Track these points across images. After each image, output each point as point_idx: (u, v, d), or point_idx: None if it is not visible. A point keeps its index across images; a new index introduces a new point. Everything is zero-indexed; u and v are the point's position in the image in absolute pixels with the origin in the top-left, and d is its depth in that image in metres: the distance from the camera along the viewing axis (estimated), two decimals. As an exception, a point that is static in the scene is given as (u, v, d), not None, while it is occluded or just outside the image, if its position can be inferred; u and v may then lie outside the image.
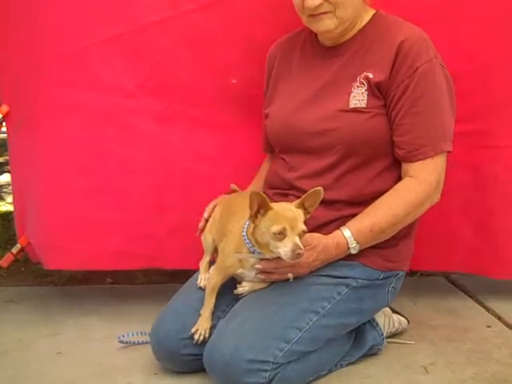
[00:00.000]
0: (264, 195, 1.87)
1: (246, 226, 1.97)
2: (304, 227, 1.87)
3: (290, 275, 1.99)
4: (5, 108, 2.63)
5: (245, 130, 2.56)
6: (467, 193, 2.59)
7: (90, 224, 2.53)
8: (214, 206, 2.28)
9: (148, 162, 2.55)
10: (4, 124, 2.69)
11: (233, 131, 2.59)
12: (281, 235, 1.84)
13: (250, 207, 1.88)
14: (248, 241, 1.96)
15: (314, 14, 2.07)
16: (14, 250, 2.73)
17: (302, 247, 1.83)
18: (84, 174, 2.51)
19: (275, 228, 1.83)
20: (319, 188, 1.90)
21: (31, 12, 2.49)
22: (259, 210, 1.88)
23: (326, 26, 2.08)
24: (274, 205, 1.90)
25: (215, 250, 2.19)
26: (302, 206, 1.92)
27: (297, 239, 1.83)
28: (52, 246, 2.55)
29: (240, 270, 2.02)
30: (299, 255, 1.83)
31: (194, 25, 2.46)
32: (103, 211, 2.53)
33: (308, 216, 1.94)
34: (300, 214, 1.89)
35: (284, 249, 1.83)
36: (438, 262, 2.72)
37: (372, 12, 2.18)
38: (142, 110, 2.53)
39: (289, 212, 1.88)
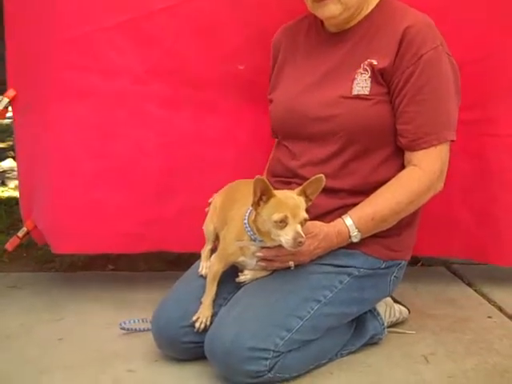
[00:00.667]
0: (267, 181, 1.87)
1: (247, 214, 1.97)
2: (306, 215, 1.86)
3: (292, 263, 1.99)
4: (11, 92, 2.65)
5: (251, 115, 2.58)
6: (469, 180, 2.60)
7: (98, 207, 2.55)
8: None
9: (156, 145, 2.58)
10: (10, 109, 2.70)
11: (239, 116, 2.62)
12: (282, 223, 1.83)
13: (254, 193, 1.87)
14: (249, 228, 1.95)
15: (319, 0, 2.05)
16: (20, 233, 2.75)
17: (303, 235, 1.82)
18: (92, 157, 2.54)
19: (277, 216, 1.83)
20: (321, 175, 1.89)
21: None
22: (262, 196, 1.87)
23: (331, 11, 2.06)
24: (276, 192, 1.89)
25: (217, 238, 2.18)
26: (303, 193, 1.91)
27: (298, 227, 1.83)
28: (61, 230, 2.57)
29: (241, 258, 2.02)
30: (300, 243, 1.82)
31: (201, 11, 2.48)
32: (111, 195, 2.56)
33: (310, 204, 1.93)
34: (302, 202, 1.89)
35: (285, 237, 1.83)
36: (439, 248, 2.73)
37: (378, -1, 2.16)
38: (150, 95, 2.55)
39: (291, 200, 1.87)
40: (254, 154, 2.50)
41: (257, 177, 1.86)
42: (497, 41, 2.49)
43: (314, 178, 1.90)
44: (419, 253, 2.67)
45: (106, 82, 2.52)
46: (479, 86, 2.47)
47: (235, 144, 2.63)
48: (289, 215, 1.83)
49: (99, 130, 2.53)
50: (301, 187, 1.91)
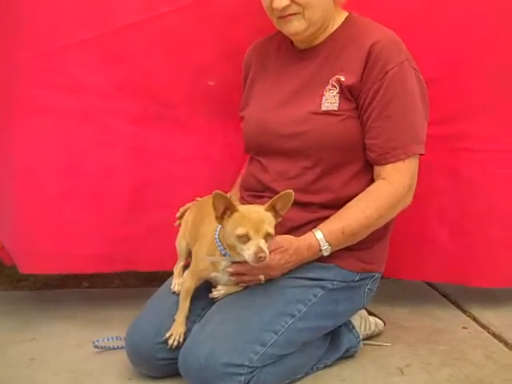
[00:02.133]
0: (227, 196, 1.87)
1: (218, 229, 1.97)
2: (270, 230, 1.85)
3: (262, 277, 1.99)
4: None
5: (222, 131, 2.56)
6: (445, 197, 2.57)
7: (66, 227, 2.50)
8: (185, 211, 2.28)
9: (125, 163, 2.53)
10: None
11: (210, 132, 2.59)
12: (244, 238, 1.83)
13: (214, 208, 1.87)
14: (220, 243, 1.95)
15: (283, 16, 2.07)
16: None
17: (265, 250, 1.81)
18: (60, 176, 2.48)
19: (239, 230, 1.83)
20: (289, 191, 1.89)
21: (6, 11, 2.44)
22: (225, 211, 1.87)
23: (295, 27, 2.08)
24: (241, 207, 1.90)
25: (189, 255, 2.18)
26: (272, 208, 1.90)
27: (261, 242, 1.82)
28: (28, 250, 2.51)
29: (214, 274, 2.01)
30: (261, 258, 1.81)
31: (170, 27, 2.44)
32: (80, 214, 2.50)
33: (280, 219, 1.93)
34: (268, 217, 1.88)
35: (247, 251, 1.82)
36: (417, 271, 2.69)
37: (345, 15, 2.18)
38: (119, 111, 2.51)
39: (255, 214, 1.87)
40: (226, 170, 2.49)
41: (215, 192, 1.85)
42: (469, 56, 2.48)
43: (282, 193, 1.89)
44: (397, 276, 2.66)
45: (73, 98, 2.46)
46: (453, 101, 2.46)
47: (207, 160, 2.59)
48: (251, 230, 1.83)
49: (66, 148, 2.48)
50: (269, 202, 1.90)
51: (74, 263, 2.55)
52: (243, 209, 1.90)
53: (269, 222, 1.87)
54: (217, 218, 1.89)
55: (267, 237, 1.84)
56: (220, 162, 2.58)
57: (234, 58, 2.38)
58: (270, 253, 1.86)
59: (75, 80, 2.45)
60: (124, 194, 2.53)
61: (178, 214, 2.29)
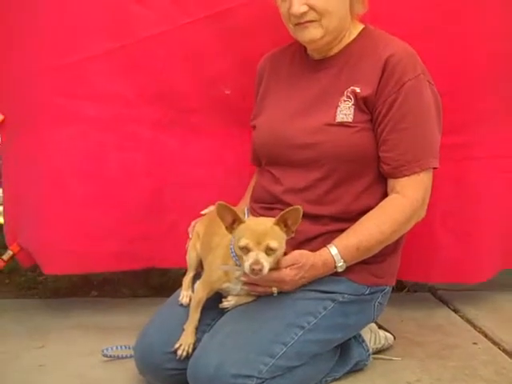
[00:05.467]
0: (231, 207, 1.88)
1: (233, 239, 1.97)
2: (272, 244, 1.84)
3: (275, 289, 1.98)
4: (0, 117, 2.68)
5: (238, 137, 2.62)
6: (450, 203, 2.64)
7: (90, 228, 2.61)
8: (195, 225, 2.30)
9: (145, 166, 2.66)
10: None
11: (225, 138, 2.69)
12: (245, 249, 1.84)
13: (222, 219, 1.89)
14: (235, 253, 1.95)
15: (300, 23, 2.07)
16: (5, 256, 2.74)
17: (262, 263, 1.81)
18: (84, 179, 2.61)
19: (241, 242, 1.85)
20: (298, 206, 1.87)
21: (31, 22, 2.56)
22: (234, 221, 1.89)
23: (311, 34, 2.08)
24: (250, 219, 1.93)
25: (200, 266, 2.18)
26: (282, 223, 1.89)
27: (260, 255, 1.83)
28: (53, 251, 2.61)
29: (226, 284, 2.01)
30: (254, 271, 1.82)
31: (188, 38, 2.55)
32: (103, 215, 2.61)
33: (292, 235, 1.92)
34: (274, 231, 1.87)
35: (246, 263, 1.83)
36: (419, 273, 2.75)
37: (361, 27, 2.19)
38: (139, 118, 2.63)
39: (259, 227, 1.87)
40: (241, 174, 2.54)
41: (219, 203, 1.87)
42: (476, 69, 2.57)
43: (291, 208, 1.87)
44: (403, 277, 2.68)
45: (96, 106, 2.59)
46: (460, 112, 2.51)
47: (222, 165, 2.70)
48: (251, 242, 1.83)
49: (89, 153, 2.60)
50: (279, 216, 1.88)
51: (98, 262, 2.66)
52: (251, 220, 1.92)
53: (273, 236, 1.86)
54: (226, 228, 1.91)
55: (269, 250, 1.84)
56: (235, 166, 2.66)
57: (249, 67, 2.42)
58: (284, 268, 1.91)
59: (98, 89, 2.59)
60: (144, 195, 2.66)
61: (190, 229, 2.29)
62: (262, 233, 1.85)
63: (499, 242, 2.81)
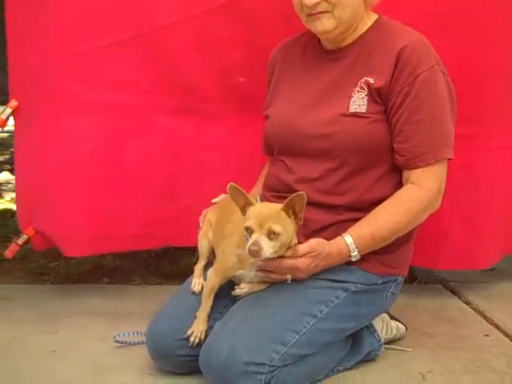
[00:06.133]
0: (241, 189, 1.89)
1: None
2: (275, 228, 1.83)
3: (289, 277, 1.98)
4: (14, 103, 2.70)
5: (252, 123, 2.62)
6: (458, 192, 2.65)
7: (109, 212, 2.68)
8: (206, 214, 2.30)
9: (162, 152, 2.72)
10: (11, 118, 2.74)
11: (240, 125, 2.74)
12: (249, 231, 1.85)
13: (235, 202, 1.91)
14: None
15: (312, 13, 2.06)
16: (20, 240, 2.75)
17: (260, 245, 1.81)
18: (102, 165, 2.66)
19: (246, 223, 1.86)
20: (302, 192, 1.85)
21: (47, 10, 2.58)
22: (246, 204, 1.90)
23: (324, 25, 2.07)
24: (260, 203, 1.94)
25: (211, 254, 2.19)
26: (290, 209, 1.88)
27: (260, 237, 1.82)
28: (73, 235, 2.67)
29: (240, 271, 2.01)
30: (250, 251, 1.82)
31: (203, 27, 2.59)
32: (121, 200, 2.69)
33: (301, 222, 1.92)
34: (279, 215, 1.86)
35: (247, 244, 1.84)
36: (426, 259, 2.75)
37: (375, 17, 2.17)
38: (155, 106, 2.68)
39: (266, 210, 1.88)
40: (255, 160, 2.55)
41: (230, 184, 1.89)
42: (485, 61, 2.61)
43: (295, 194, 1.85)
44: (412, 263, 2.67)
45: (112, 94, 2.64)
46: (469, 103, 2.49)
47: (237, 150, 2.76)
48: (253, 224, 1.84)
49: (107, 140, 2.65)
50: (285, 202, 1.87)
51: (116, 243, 2.75)
52: (260, 204, 1.93)
53: (277, 220, 1.85)
54: (241, 210, 1.93)
55: (271, 234, 1.84)
56: (249, 152, 2.68)
57: (263, 55, 2.41)
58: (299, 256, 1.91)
59: (114, 77, 2.64)
60: (160, 180, 2.73)
61: (201, 218, 2.30)
62: (267, 216, 1.85)
63: (504, 229, 2.86)
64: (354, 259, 2.02)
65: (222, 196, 2.27)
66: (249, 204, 1.90)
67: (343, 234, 2.01)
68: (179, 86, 2.66)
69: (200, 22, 2.57)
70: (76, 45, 2.57)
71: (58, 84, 2.60)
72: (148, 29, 2.58)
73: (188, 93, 2.67)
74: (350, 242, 2.00)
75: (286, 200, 1.87)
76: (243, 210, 1.92)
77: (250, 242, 1.83)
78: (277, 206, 1.90)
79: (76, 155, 2.63)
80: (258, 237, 1.83)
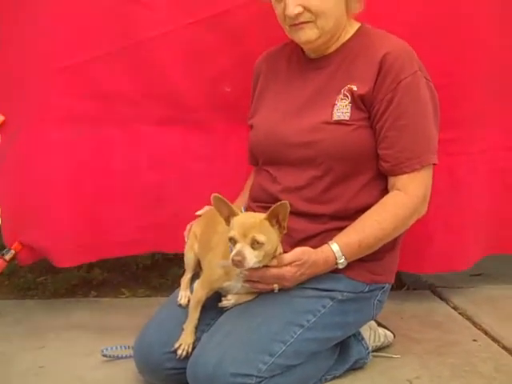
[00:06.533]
0: (225, 200, 1.89)
1: None
2: (259, 237, 1.83)
3: (276, 286, 1.98)
4: (0, 117, 2.70)
5: (238, 132, 2.64)
6: (441, 196, 2.65)
7: (98, 220, 2.72)
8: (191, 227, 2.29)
9: (150, 161, 2.75)
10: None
11: (226, 133, 2.76)
12: (232, 241, 1.85)
13: (219, 212, 1.92)
14: None
15: (295, 24, 2.07)
16: (7, 256, 2.72)
17: (243, 255, 1.82)
18: (92, 175, 2.69)
19: (229, 233, 1.86)
20: (285, 201, 1.86)
21: (35, 23, 2.59)
22: (230, 215, 1.90)
23: (307, 35, 2.08)
24: (243, 213, 1.95)
25: (197, 266, 2.19)
26: (273, 218, 1.88)
27: (244, 247, 1.83)
28: (63, 246, 2.69)
29: (226, 283, 2.00)
30: (234, 261, 1.82)
31: (190, 38, 2.62)
32: (110, 207, 2.73)
33: (284, 231, 1.92)
34: (263, 225, 1.87)
35: (231, 254, 1.84)
36: (411, 264, 2.75)
37: (357, 25, 2.18)
38: (143, 116, 2.71)
39: (248, 220, 1.88)
40: (240, 168, 2.58)
41: (214, 195, 1.89)
42: (465, 68, 2.65)
43: (278, 203, 1.86)
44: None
45: (102, 106, 2.67)
46: (451, 109, 2.50)
47: (222, 159, 2.78)
48: (237, 234, 1.84)
49: (96, 150, 2.69)
50: (269, 211, 1.88)
51: (106, 250, 2.80)
52: (244, 214, 1.94)
53: (261, 230, 1.85)
54: (225, 220, 1.93)
55: (255, 243, 1.84)
56: (235, 160, 2.71)
57: (249, 66, 2.44)
58: (284, 265, 1.93)
59: (103, 88, 2.66)
60: (148, 188, 2.76)
61: (186, 232, 2.29)
62: (250, 226, 1.85)
63: (483, 230, 2.90)
64: (340, 267, 2.02)
65: (206, 208, 2.27)
66: (233, 214, 1.90)
67: (329, 242, 2.02)
68: (167, 96, 2.68)
69: (187, 33, 2.61)
70: (63, 58, 2.59)
71: (49, 97, 2.63)
72: (136, 40, 2.61)
73: (175, 103, 2.70)
74: (336, 249, 2.00)
75: (270, 209, 1.88)
76: (227, 221, 1.92)
77: (234, 252, 1.83)
78: (260, 216, 1.90)
79: (63, 166, 2.65)
80: (242, 246, 1.83)
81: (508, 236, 2.96)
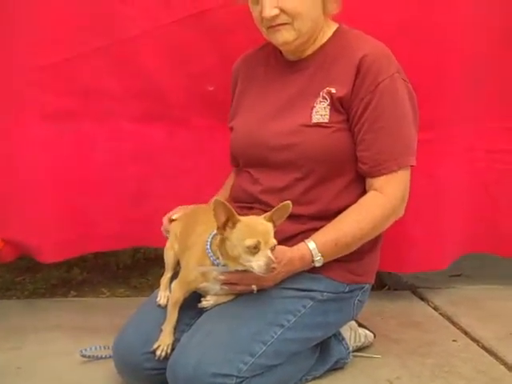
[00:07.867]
0: (230, 206, 1.84)
1: (209, 239, 1.94)
2: (275, 241, 1.85)
3: (254, 287, 1.97)
4: None
5: (220, 129, 2.63)
6: (422, 197, 2.67)
7: (82, 215, 2.76)
8: (168, 218, 2.27)
9: (133, 156, 2.78)
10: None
11: (209, 130, 2.79)
12: (255, 249, 1.81)
13: (216, 218, 1.84)
14: (212, 253, 1.93)
15: (272, 26, 2.07)
16: None
17: (274, 261, 1.81)
18: (75, 170, 2.72)
19: (249, 241, 1.81)
20: (288, 202, 1.87)
21: (16, 19, 2.58)
22: (227, 221, 1.85)
23: (284, 37, 2.07)
24: (243, 218, 1.88)
25: (177, 266, 2.16)
26: (271, 219, 1.89)
27: (269, 253, 1.81)
28: (47, 240, 2.70)
29: (203, 284, 1.99)
30: (274, 269, 1.81)
31: (172, 36, 2.64)
32: (93, 202, 2.77)
33: (275, 229, 1.92)
34: (271, 228, 1.87)
35: (258, 263, 1.80)
36: (390, 263, 2.75)
37: (335, 26, 2.18)
38: (126, 112, 2.74)
39: (261, 226, 1.86)
40: (223, 164, 2.55)
41: (216, 199, 1.85)
42: (445, 68, 2.70)
43: (281, 204, 1.87)
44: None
45: (84, 102, 2.69)
46: (430, 109, 2.55)
47: (205, 155, 2.81)
48: (261, 241, 1.81)
49: (79, 147, 2.72)
50: (269, 213, 1.88)
51: (89, 245, 2.84)
52: (246, 220, 1.89)
53: (272, 234, 1.86)
54: (218, 228, 1.87)
55: (273, 248, 1.84)
56: (217, 157, 2.71)
57: (230, 65, 2.44)
58: None
59: (85, 86, 2.69)
60: (131, 184, 2.80)
61: (164, 227, 2.27)
62: (266, 231, 1.84)
63: (462, 230, 2.94)
64: (317, 264, 2.02)
65: (179, 208, 2.27)
66: (234, 220, 1.85)
67: (306, 240, 2.02)
68: (150, 93, 2.71)
69: (169, 31, 2.63)
70: (45, 55, 2.60)
71: (32, 94, 2.63)
72: (118, 38, 2.63)
73: (158, 100, 2.73)
74: (312, 247, 2.00)
75: (273, 211, 1.88)
76: (225, 225, 1.87)
77: (265, 260, 1.80)
78: (262, 219, 1.89)
79: (45, 162, 2.67)
80: (269, 253, 1.82)
81: (485, 235, 2.99)
